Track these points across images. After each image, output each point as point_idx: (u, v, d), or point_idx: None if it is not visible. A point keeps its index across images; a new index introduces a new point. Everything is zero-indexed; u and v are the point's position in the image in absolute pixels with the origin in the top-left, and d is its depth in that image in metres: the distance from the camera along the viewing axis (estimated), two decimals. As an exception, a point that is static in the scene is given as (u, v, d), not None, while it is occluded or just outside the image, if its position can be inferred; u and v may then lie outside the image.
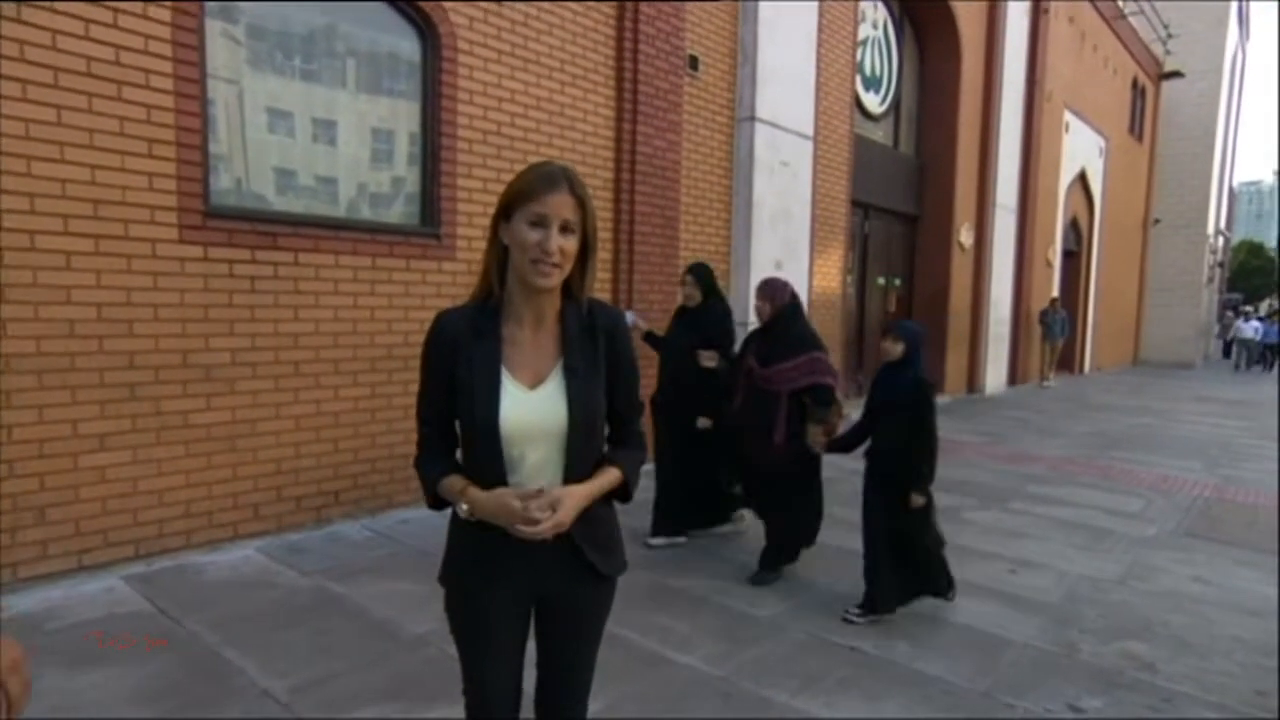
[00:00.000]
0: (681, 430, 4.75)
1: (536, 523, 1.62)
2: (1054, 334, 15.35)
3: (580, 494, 1.70)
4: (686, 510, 4.91)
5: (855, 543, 5.07)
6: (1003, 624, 3.95)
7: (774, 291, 4.33)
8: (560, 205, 1.63)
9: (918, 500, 3.80)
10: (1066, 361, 18.29)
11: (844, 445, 4.11)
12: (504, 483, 1.70)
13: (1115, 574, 4.74)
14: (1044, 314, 15.30)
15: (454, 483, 1.74)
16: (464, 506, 1.71)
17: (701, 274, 4.82)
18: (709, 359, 4.66)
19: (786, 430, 4.19)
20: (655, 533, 4.88)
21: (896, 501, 3.82)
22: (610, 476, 1.78)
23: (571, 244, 1.66)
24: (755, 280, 7.98)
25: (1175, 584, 4.60)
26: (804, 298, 8.79)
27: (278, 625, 3.60)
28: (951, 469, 7.51)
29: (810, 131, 8.65)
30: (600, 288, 6.65)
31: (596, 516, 1.81)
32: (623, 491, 1.83)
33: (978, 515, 5.90)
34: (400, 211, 5.38)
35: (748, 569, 4.57)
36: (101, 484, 4.11)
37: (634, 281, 6.81)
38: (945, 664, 3.49)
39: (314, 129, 4.92)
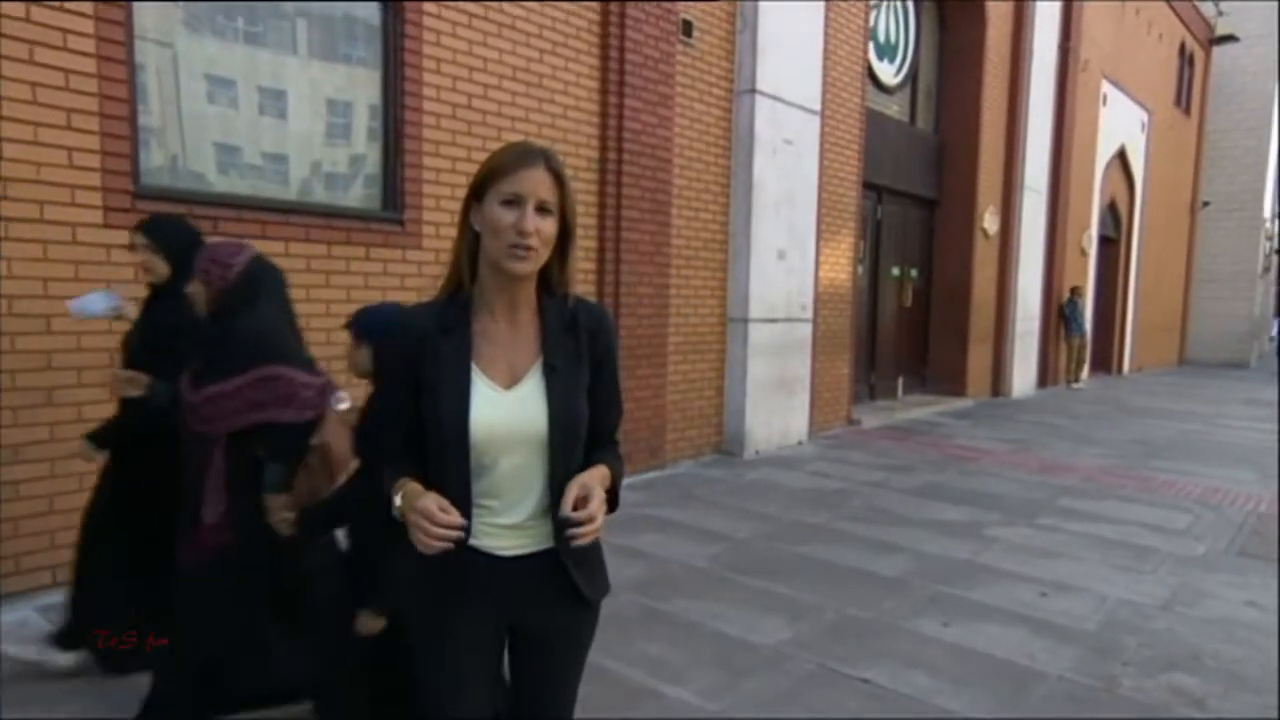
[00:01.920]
0: (124, 494, 3.30)
1: (438, 538, 1.55)
2: (1075, 329, 15.41)
3: (595, 480, 1.67)
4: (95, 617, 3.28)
5: (869, 563, 5.09)
6: (1032, 654, 3.94)
7: (213, 263, 2.80)
8: (536, 183, 1.63)
9: (373, 623, 2.51)
10: (1103, 361, 18.37)
11: (327, 518, 2.70)
12: (466, 493, 1.69)
13: (1160, 598, 4.74)
14: (1063, 306, 15.38)
15: (400, 481, 1.71)
16: (397, 500, 1.68)
17: (163, 233, 3.27)
18: (129, 383, 3.01)
19: (226, 503, 2.69)
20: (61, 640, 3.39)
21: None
22: (603, 472, 1.75)
23: (549, 226, 1.66)
24: (756, 272, 8.00)
25: (1227, 610, 4.60)
26: (810, 290, 8.82)
27: (218, 660, 3.54)
28: (973, 479, 7.53)
29: (817, 106, 8.65)
30: (583, 279, 6.63)
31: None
32: (611, 497, 1.80)
33: (1003, 532, 5.91)
34: (359, 194, 5.35)
35: (752, 591, 4.56)
36: (16, 501, 4.06)
37: (620, 273, 6.80)
38: (968, 699, 3.48)
39: (260, 99, 4.88)
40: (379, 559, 2.50)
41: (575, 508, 1.61)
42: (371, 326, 2.63)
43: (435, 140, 5.55)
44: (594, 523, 1.61)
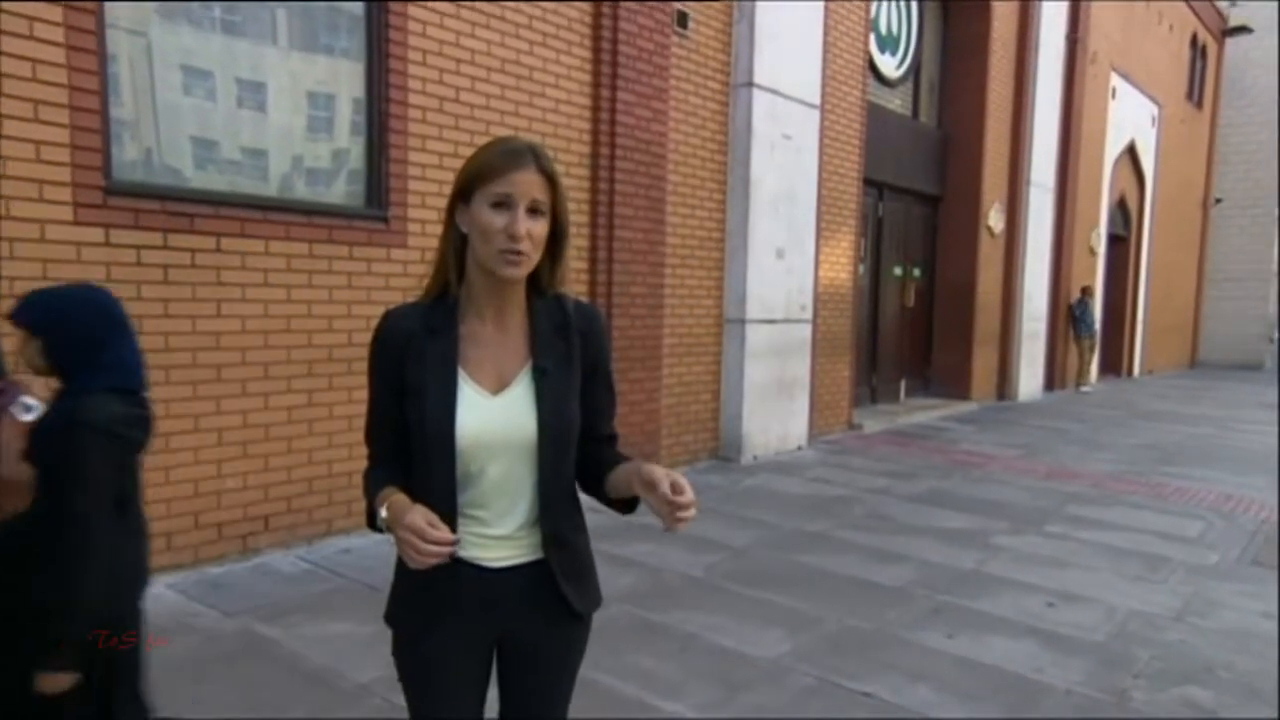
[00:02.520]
0: None
1: (430, 555, 1.53)
2: (1085, 329, 15.44)
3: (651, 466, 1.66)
4: None
5: (871, 572, 5.09)
6: (1040, 666, 3.95)
7: None
8: (528, 184, 1.63)
9: (54, 682, 2.03)
10: (1112, 363, 18.43)
11: None
12: (451, 502, 1.69)
13: (1172, 609, 4.76)
14: (1072, 306, 15.41)
15: (385, 491, 1.70)
16: (383, 513, 1.66)
17: None
18: None
19: None
20: None
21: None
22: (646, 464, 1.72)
23: (541, 228, 1.66)
24: (754, 272, 8.01)
25: (1242, 621, 4.62)
26: (809, 290, 8.84)
27: (195, 677, 3.55)
28: (979, 486, 7.55)
29: (817, 99, 8.67)
30: (576, 279, 6.63)
31: (573, 540, 1.81)
32: (631, 500, 1.79)
33: (1009, 541, 5.92)
34: (342, 190, 5.34)
35: (750, 602, 4.56)
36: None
37: (614, 273, 6.80)
38: (974, 713, 3.49)
39: (239, 91, 4.88)
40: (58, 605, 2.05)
41: (674, 490, 1.59)
42: (45, 317, 2.18)
43: (421, 135, 5.54)
44: (696, 505, 1.58)
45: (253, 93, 4.93)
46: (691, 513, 1.58)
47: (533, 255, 1.66)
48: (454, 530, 1.66)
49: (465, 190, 1.66)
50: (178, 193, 4.56)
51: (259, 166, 4.99)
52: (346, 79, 5.30)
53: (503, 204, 1.62)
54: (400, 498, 1.65)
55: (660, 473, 1.61)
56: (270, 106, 5.01)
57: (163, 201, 4.47)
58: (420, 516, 1.56)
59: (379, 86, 5.34)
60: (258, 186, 4.97)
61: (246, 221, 4.78)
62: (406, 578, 1.77)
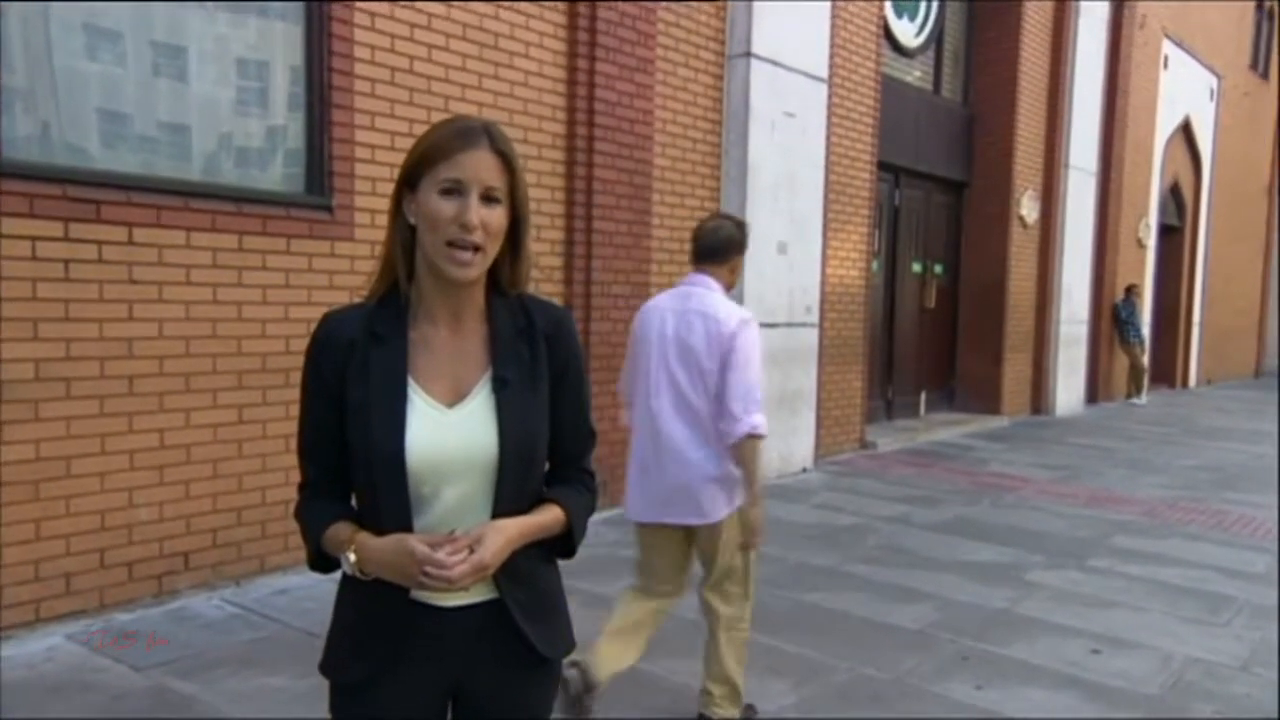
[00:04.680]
0: None
1: (447, 570, 1.57)
2: (1133, 334, 15.54)
3: (511, 530, 1.68)
4: None
5: (887, 614, 5.09)
6: (1084, 721, 3.95)
7: None
8: (480, 166, 1.64)
9: None
10: (1164, 373, 18.52)
11: None
12: (407, 529, 1.68)
13: (1236, 656, 4.77)
14: (1118, 307, 15.51)
15: (340, 530, 1.72)
16: (351, 558, 1.68)
17: None
18: None
19: None
20: None
21: None
22: (551, 515, 1.77)
23: (497, 217, 1.66)
24: (753, 269, 8.01)
25: (1309, 666, 4.64)
26: (816, 290, 8.86)
27: (104, 737, 3.51)
28: (1011, 514, 7.57)
29: (824, 72, 8.70)
30: (550, 278, 6.63)
31: (534, 575, 1.80)
32: (565, 541, 1.82)
33: (1046, 576, 5.93)
34: (278, 174, 5.31)
35: (749, 649, 4.54)
36: None
37: (593, 270, 6.79)
38: (1009, 776, 3.48)
39: (154, 57, 4.84)
40: None
41: (453, 548, 1.60)
42: None
43: (370, 110, 5.52)
44: (448, 572, 1.58)
45: (171, 58, 4.90)
46: (430, 584, 1.60)
47: (488, 250, 1.67)
48: None
49: (412, 176, 1.67)
50: (81, 175, 4.52)
51: (179, 145, 4.96)
52: (282, 44, 5.28)
53: (452, 190, 1.63)
54: (366, 537, 1.68)
55: (486, 528, 1.65)
56: (192, 75, 4.97)
57: (63, 185, 4.42)
58: (419, 543, 1.59)
59: (320, 53, 5.32)
60: (178, 168, 4.93)
61: (164, 209, 4.74)
62: (345, 621, 1.77)
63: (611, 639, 3.68)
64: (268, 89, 5.27)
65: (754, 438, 3.47)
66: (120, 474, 4.70)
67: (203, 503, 5.01)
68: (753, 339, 3.57)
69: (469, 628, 1.75)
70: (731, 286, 3.83)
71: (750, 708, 3.87)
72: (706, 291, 3.72)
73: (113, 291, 4.61)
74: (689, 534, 3.72)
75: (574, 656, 3.28)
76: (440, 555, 1.58)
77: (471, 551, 1.61)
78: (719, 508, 3.62)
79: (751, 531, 3.65)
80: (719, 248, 3.81)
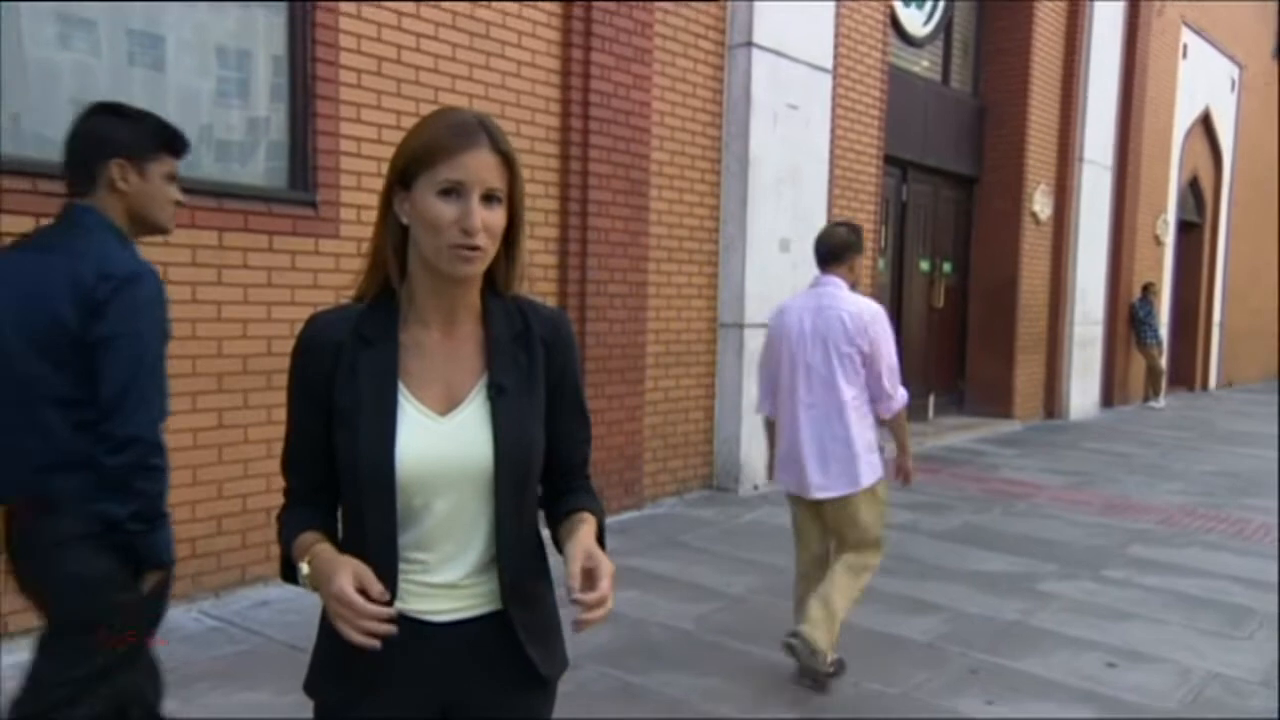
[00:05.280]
0: None
1: (368, 633, 1.54)
2: (1150, 335, 15.56)
3: (596, 544, 1.71)
4: None
5: (894, 625, 5.10)
6: (1099, 738, 3.96)
7: None
8: (481, 167, 1.63)
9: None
10: (1183, 375, 18.53)
11: None
12: (390, 548, 1.68)
13: (1257, 671, 4.77)
14: (1134, 306, 15.50)
15: (305, 539, 1.71)
16: (304, 569, 1.67)
17: None
18: None
19: None
20: None
21: None
22: (594, 527, 1.78)
23: (498, 219, 1.66)
24: (754, 267, 8.04)
25: (1334, 680, 4.65)
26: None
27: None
28: (1023, 521, 7.58)
29: (828, 62, 8.71)
30: (543, 276, 6.63)
31: (539, 595, 1.81)
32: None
33: (1060, 587, 5.94)
34: (260, 168, 5.31)
35: (749, 662, 4.55)
36: None
37: (587, 269, 6.80)
38: (1021, 795, 3.49)
39: (130, 46, 4.84)
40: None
41: (584, 583, 1.61)
42: None
43: (356, 102, 5.53)
44: (607, 604, 1.61)
45: (148, 48, 4.90)
46: (598, 614, 1.61)
47: (489, 250, 1.67)
48: (394, 584, 1.66)
49: (406, 174, 1.66)
50: (53, 168, 4.43)
51: (157, 139, 4.96)
52: (264, 33, 5.28)
53: (453, 192, 1.62)
54: (324, 549, 1.66)
55: (578, 552, 1.65)
56: (170, 65, 4.97)
57: (34, 180, 4.41)
58: (349, 579, 1.55)
59: (304, 42, 5.32)
60: (156, 163, 4.93)
61: (142, 205, 4.74)
62: (332, 637, 1.76)
63: (809, 600, 4.29)
64: (249, 79, 5.27)
65: (903, 409, 4.46)
66: (95, 481, 4.69)
67: (181, 511, 4.99)
68: (886, 328, 4.37)
69: (464, 645, 1.75)
70: (855, 283, 4.52)
71: (839, 662, 4.31)
72: (836, 290, 4.43)
73: (87, 291, 4.60)
74: (822, 506, 4.40)
75: (792, 628, 4.22)
76: (359, 601, 1.53)
77: (595, 586, 1.61)
78: (855, 481, 4.31)
79: (906, 475, 4.62)
80: (838, 251, 4.49)
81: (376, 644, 1.55)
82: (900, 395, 4.45)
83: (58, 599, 2.59)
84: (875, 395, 4.39)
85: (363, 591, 1.55)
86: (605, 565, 1.64)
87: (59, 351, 2.50)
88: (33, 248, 2.69)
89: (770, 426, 4.69)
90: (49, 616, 2.65)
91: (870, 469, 4.37)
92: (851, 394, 4.31)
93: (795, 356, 4.38)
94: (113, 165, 2.64)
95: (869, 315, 4.31)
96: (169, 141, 2.78)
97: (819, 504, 4.39)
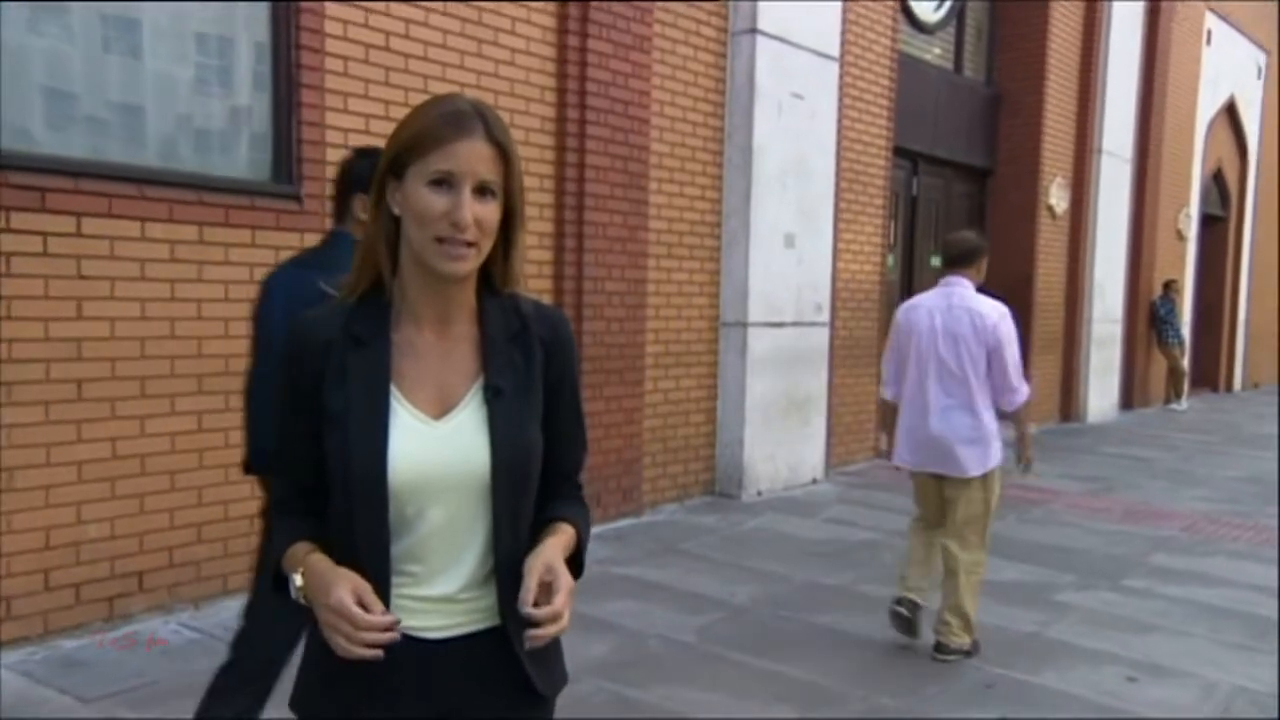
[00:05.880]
0: None
1: (368, 644, 1.55)
2: (1172, 334, 15.55)
3: (560, 557, 1.69)
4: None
5: (905, 637, 5.08)
6: (1119, 756, 3.96)
7: None
8: (474, 157, 1.62)
9: None
10: (1206, 376, 18.54)
11: None
12: (382, 558, 1.67)
13: (1282, 682, 4.79)
14: (1155, 304, 15.52)
15: (298, 549, 1.70)
16: (297, 581, 1.66)
17: None
18: None
19: None
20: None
21: None
22: (567, 538, 1.76)
23: (491, 213, 1.65)
24: (758, 263, 8.05)
25: (1364, 695, 4.65)
26: (826, 286, 8.89)
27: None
28: (1039, 529, 7.58)
29: (835, 49, 8.71)
30: (536, 274, 6.63)
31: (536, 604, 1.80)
32: (576, 561, 1.80)
33: (1078, 598, 5.94)
34: (242, 159, 5.31)
35: (753, 675, 4.55)
36: None
37: (584, 265, 6.80)
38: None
39: (105, 32, 4.83)
40: None
41: (537, 599, 1.60)
42: None
43: (342, 91, 5.52)
44: (560, 621, 1.61)
45: (124, 33, 4.89)
46: (548, 631, 1.62)
47: (482, 246, 1.66)
48: (386, 597, 1.65)
49: (397, 163, 1.65)
50: (24, 160, 4.50)
51: (133, 127, 4.95)
52: (246, 18, 5.27)
53: (444, 182, 1.62)
54: (319, 561, 1.65)
55: (537, 564, 1.64)
56: (147, 51, 4.96)
57: (4, 172, 4.41)
58: (348, 591, 1.55)
59: (287, 28, 5.31)
60: (131, 153, 4.93)
61: (116, 198, 4.74)
62: (318, 652, 1.75)
63: (915, 566, 5.07)
64: (230, 67, 5.26)
65: (1026, 403, 5.01)
66: (68, 487, 4.69)
67: (159, 518, 5.00)
68: (1011, 328, 4.93)
69: (460, 662, 1.74)
70: (981, 284, 5.10)
71: (976, 643, 4.94)
72: (965, 290, 5.00)
73: (60, 288, 4.60)
74: (942, 480, 4.99)
75: (899, 593, 4.98)
76: (359, 613, 1.54)
77: (551, 598, 1.61)
78: (971, 465, 4.87)
79: (1028, 460, 5.17)
80: (967, 254, 5.11)
81: (378, 654, 1.55)
82: (1023, 390, 4.97)
83: None
84: (999, 389, 4.93)
85: (363, 607, 1.56)
86: (564, 580, 1.64)
87: None
88: (298, 263, 3.43)
89: (891, 411, 5.25)
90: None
91: (990, 455, 4.92)
92: (977, 386, 4.88)
93: (925, 350, 4.95)
94: (357, 200, 3.23)
95: (996, 315, 4.89)
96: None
97: (940, 480, 5.00)
